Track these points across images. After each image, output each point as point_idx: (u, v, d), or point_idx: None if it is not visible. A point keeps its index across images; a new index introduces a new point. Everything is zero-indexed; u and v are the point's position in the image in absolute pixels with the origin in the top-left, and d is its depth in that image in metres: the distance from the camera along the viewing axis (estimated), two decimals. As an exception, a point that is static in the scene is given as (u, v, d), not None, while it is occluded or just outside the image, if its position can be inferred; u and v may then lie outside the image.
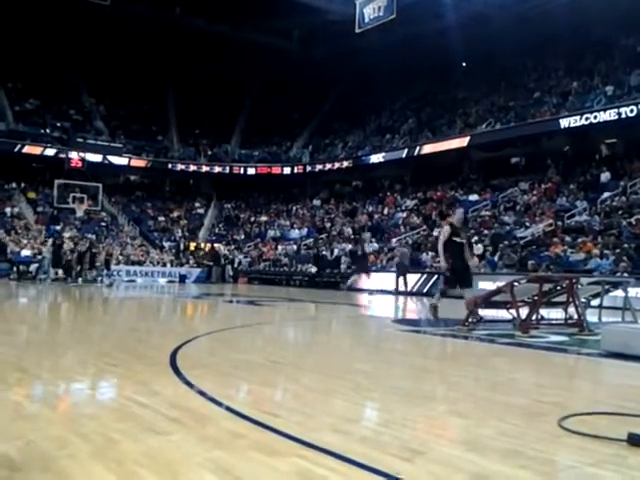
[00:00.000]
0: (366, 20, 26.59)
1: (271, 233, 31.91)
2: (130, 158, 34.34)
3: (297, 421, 3.17)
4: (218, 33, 32.52)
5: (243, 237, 33.07)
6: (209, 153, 36.90)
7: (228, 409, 3.40)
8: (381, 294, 19.56)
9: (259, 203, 37.13)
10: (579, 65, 26.44)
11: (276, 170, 35.58)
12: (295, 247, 28.45)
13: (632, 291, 10.71)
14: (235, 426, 3.04)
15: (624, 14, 23.58)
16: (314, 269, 24.33)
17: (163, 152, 36.38)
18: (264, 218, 34.40)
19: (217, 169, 36.09)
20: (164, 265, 28.24)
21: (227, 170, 36.02)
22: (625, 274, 14.55)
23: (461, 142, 26.95)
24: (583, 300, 8.68)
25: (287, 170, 35.41)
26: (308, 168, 34.83)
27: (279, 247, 29.17)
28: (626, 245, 16.57)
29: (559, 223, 19.94)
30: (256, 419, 3.14)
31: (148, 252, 29.29)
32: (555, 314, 8.84)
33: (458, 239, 8.57)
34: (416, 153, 28.84)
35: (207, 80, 36.13)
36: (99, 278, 23.66)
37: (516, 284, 8.10)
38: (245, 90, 38.66)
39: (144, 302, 15.47)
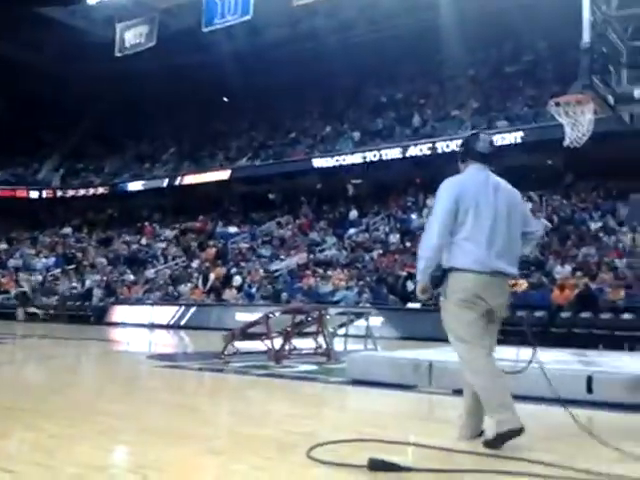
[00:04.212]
0: (126, 45, 25.92)
1: (12, 262, 28.91)
2: None
3: (35, 474, 2.84)
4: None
5: (-21, 266, 29.46)
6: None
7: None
8: (137, 327, 18.81)
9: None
10: (331, 110, 28.67)
11: (21, 193, 32.56)
12: (41, 278, 26.15)
13: (373, 320, 11.70)
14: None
15: (369, 66, 26.29)
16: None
17: None
18: (4, 246, 31.08)
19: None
20: None
21: (-40, 191, 32.00)
22: (367, 304, 15.87)
23: (222, 175, 27.40)
24: (331, 330, 9.26)
25: (34, 194, 32.65)
26: (59, 193, 32.54)
27: (21, 277, 26.50)
28: (368, 278, 18.13)
29: (311, 256, 21.18)
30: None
31: None
32: (307, 344, 9.28)
33: None
34: (177, 183, 28.62)
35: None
36: None
37: (271, 315, 8.37)
38: (-14, 104, 34.91)
39: None
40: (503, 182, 3.83)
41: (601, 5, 8.89)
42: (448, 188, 3.69)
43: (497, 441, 3.40)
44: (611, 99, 8.96)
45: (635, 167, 17.62)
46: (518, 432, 3.36)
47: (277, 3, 22.40)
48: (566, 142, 9.10)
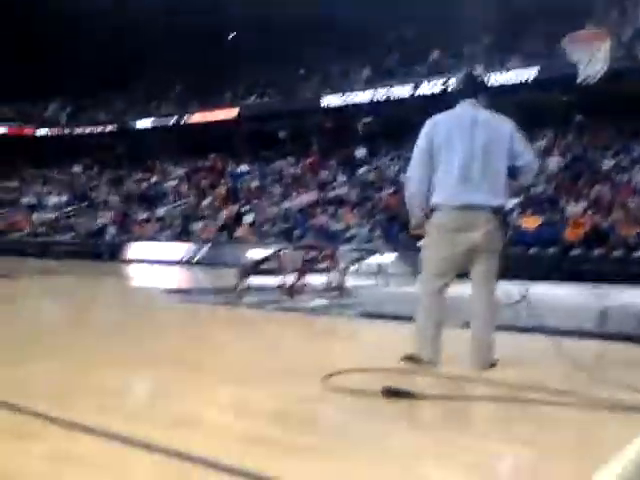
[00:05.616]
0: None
1: (25, 200, 29.08)
2: None
3: (54, 402, 2.90)
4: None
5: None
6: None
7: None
8: (150, 264, 18.99)
9: (7, 168, 33.43)
10: (340, 48, 27.93)
11: (28, 131, 32.40)
12: (53, 216, 26.34)
13: (385, 258, 11.74)
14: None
15: (378, 2, 25.43)
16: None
17: None
18: (15, 184, 31.16)
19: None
20: None
21: (-34, 128, 31.87)
22: (379, 242, 15.89)
23: (230, 112, 27.09)
24: (343, 266, 9.30)
25: (42, 132, 32.48)
26: (67, 131, 32.34)
27: (35, 215, 26.69)
28: (379, 216, 18.09)
29: (322, 195, 21.11)
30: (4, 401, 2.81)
31: None
32: (319, 280, 9.33)
33: None
34: (184, 121, 28.38)
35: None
36: None
37: (283, 252, 8.40)
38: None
39: None
40: (489, 116, 3.81)
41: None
42: (424, 127, 3.87)
43: (408, 359, 3.74)
44: (627, 35, 8.67)
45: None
46: (419, 361, 3.70)
47: None
48: (580, 79, 8.86)
